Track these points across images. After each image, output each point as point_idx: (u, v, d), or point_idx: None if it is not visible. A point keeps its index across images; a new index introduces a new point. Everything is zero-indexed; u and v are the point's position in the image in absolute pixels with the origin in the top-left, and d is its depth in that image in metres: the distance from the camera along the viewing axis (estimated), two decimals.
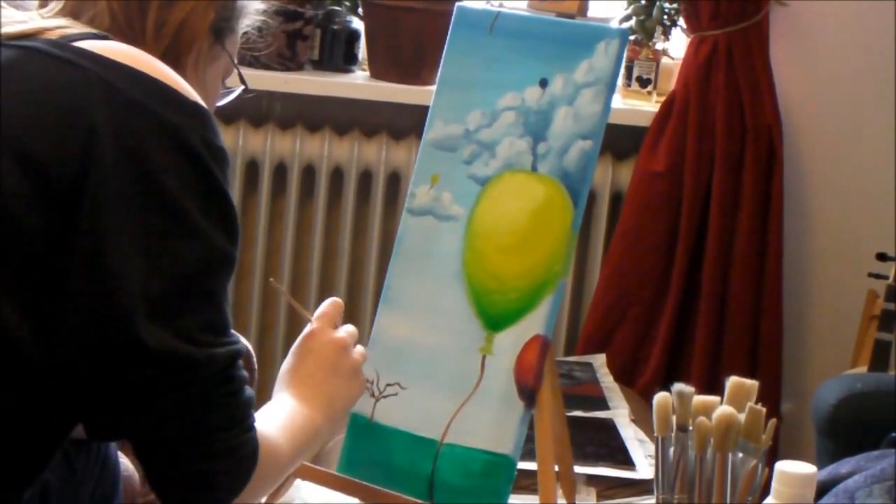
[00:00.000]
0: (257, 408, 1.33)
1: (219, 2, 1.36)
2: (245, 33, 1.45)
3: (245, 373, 1.27)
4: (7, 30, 1.26)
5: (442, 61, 1.75)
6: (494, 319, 1.66)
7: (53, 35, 1.26)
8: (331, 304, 1.56)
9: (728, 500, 1.51)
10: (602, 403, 2.40)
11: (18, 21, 1.28)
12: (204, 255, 1.21)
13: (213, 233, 1.21)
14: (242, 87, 1.48)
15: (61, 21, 1.29)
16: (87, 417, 1.23)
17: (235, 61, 1.43)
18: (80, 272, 1.16)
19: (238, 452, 1.25)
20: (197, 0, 1.33)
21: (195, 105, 1.23)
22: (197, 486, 1.24)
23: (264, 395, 2.89)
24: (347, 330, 1.54)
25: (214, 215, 1.22)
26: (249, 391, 1.28)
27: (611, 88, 1.65)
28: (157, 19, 1.31)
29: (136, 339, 1.16)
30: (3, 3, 1.32)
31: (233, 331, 1.28)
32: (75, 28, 1.28)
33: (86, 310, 1.17)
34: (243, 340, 1.63)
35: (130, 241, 1.17)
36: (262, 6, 1.45)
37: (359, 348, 1.54)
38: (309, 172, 2.90)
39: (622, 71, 2.90)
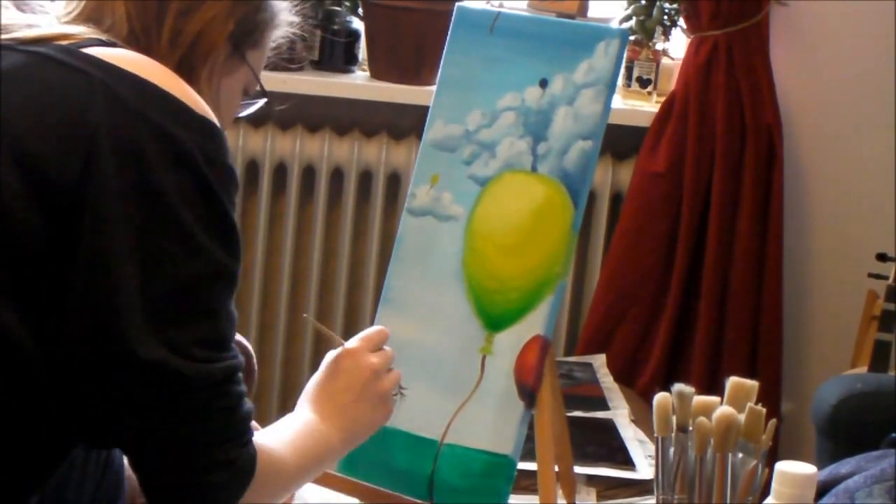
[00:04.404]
0: (257, 410, 1.33)
1: (239, 13, 1.34)
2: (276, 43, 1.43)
3: (244, 387, 1.26)
4: (24, 34, 1.26)
5: (442, 61, 1.75)
6: (494, 319, 1.66)
7: (67, 41, 1.25)
8: (377, 332, 1.56)
9: (728, 501, 1.51)
10: (602, 403, 2.40)
11: (35, 25, 1.28)
12: (202, 267, 1.20)
13: (211, 247, 1.20)
14: (264, 99, 1.45)
15: (80, 28, 1.28)
16: (82, 423, 1.22)
17: (259, 75, 1.40)
18: (79, 278, 1.16)
19: (233, 466, 1.24)
20: (216, 10, 1.32)
21: (202, 119, 1.22)
22: (190, 498, 1.24)
23: (264, 395, 2.90)
24: (384, 355, 1.54)
25: (214, 230, 1.20)
26: (248, 405, 1.27)
27: (611, 88, 1.65)
28: (174, 28, 1.30)
29: (128, 349, 1.16)
30: (9, 5, 1.31)
31: (239, 334, 1.27)
32: (92, 35, 1.27)
33: (82, 316, 1.17)
34: (244, 341, 1.62)
35: (128, 250, 1.16)
36: (294, 19, 1.43)
37: (393, 372, 1.54)
38: (309, 173, 2.89)
39: (622, 71, 2.90)
